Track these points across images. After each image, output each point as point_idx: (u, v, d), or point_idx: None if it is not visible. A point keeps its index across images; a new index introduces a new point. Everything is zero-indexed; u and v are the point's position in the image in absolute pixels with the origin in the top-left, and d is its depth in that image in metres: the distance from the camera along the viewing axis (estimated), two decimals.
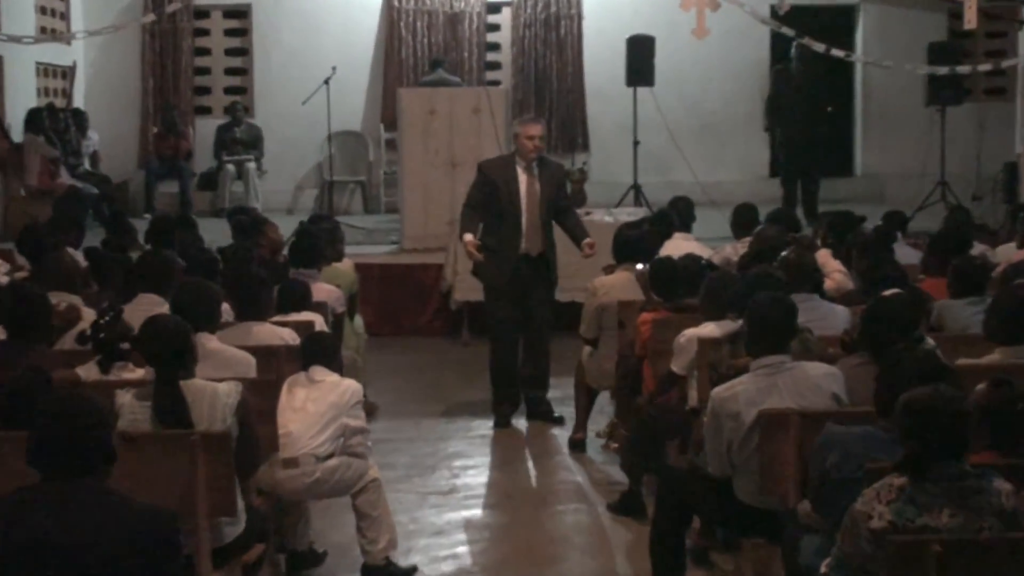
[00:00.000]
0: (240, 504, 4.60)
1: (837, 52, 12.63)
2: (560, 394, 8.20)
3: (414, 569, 5.72)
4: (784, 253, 6.56)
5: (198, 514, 4.34)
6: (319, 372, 5.48)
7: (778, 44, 14.29)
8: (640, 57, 13.26)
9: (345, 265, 8.29)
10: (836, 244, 7.88)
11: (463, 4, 15.00)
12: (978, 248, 7.75)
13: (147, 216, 12.55)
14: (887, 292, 5.63)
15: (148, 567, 3.21)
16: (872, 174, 15.45)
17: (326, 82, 12.76)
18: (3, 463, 4.06)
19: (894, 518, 3.53)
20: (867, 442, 4.05)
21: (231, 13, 15.31)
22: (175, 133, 14.33)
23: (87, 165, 13.72)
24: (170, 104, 14.69)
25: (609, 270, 7.55)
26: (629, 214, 10.78)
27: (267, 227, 8.55)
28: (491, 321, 8.18)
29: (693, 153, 13.40)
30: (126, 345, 5.01)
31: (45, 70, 14.05)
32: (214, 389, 4.58)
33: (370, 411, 7.50)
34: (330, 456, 5.38)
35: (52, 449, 3.26)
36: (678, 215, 8.51)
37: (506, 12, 15.27)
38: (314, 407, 5.38)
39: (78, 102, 14.48)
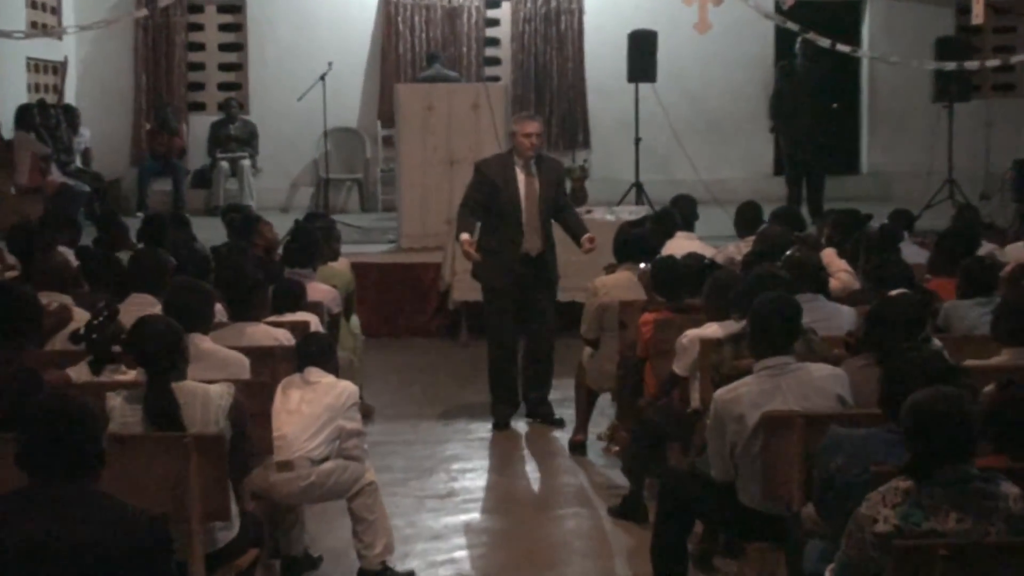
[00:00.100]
0: (233, 508, 4.60)
1: (843, 47, 12.63)
2: (560, 396, 8.20)
3: (411, 574, 5.72)
4: (788, 252, 6.56)
5: (191, 518, 4.34)
6: (314, 373, 5.48)
7: (783, 39, 14.28)
8: (642, 52, 13.26)
9: (341, 264, 8.29)
10: (841, 243, 7.87)
11: None
12: (986, 247, 7.74)
13: (140, 215, 12.55)
14: (893, 292, 5.63)
15: (139, 572, 3.21)
16: (878, 172, 15.46)
17: (322, 78, 12.76)
18: None
19: (900, 522, 3.53)
20: (872, 445, 4.05)
21: (225, 8, 15.31)
22: (168, 130, 14.32)
23: (79, 162, 13.72)
24: (163, 100, 14.70)
25: (610, 269, 7.56)
26: (631, 212, 10.78)
27: (262, 226, 8.55)
28: (490, 322, 8.18)
29: (696, 150, 13.39)
30: (118, 348, 5.01)
31: (36, 65, 14.05)
32: (206, 391, 4.58)
33: (366, 413, 7.51)
34: (325, 459, 5.38)
35: (42, 451, 3.26)
36: (680, 213, 8.51)
37: (505, 7, 15.27)
38: (309, 409, 5.38)
39: (69, 98, 14.48)
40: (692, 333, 5.88)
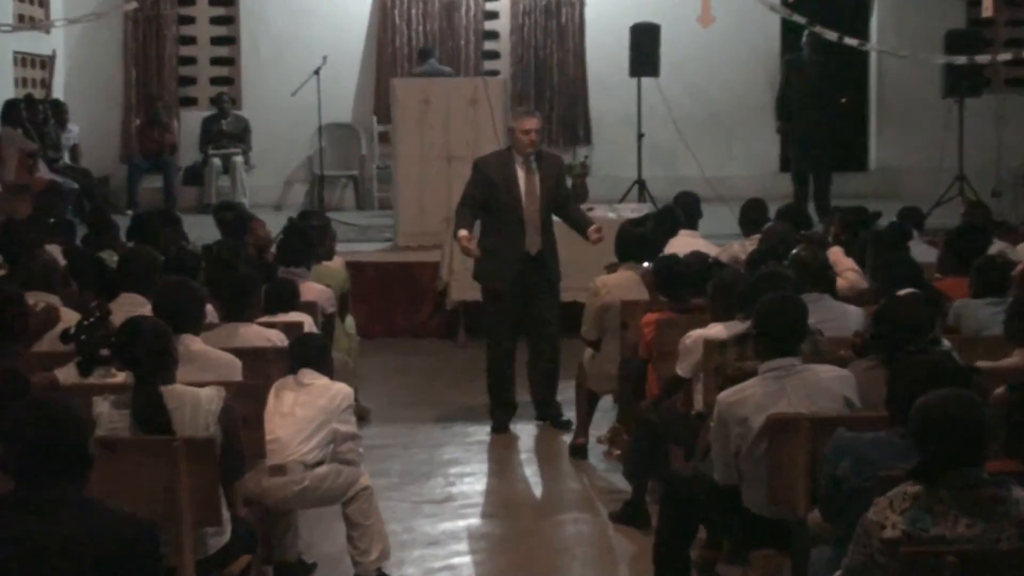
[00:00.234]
0: (225, 513, 4.60)
1: (850, 41, 12.62)
2: (561, 398, 8.20)
3: None
4: (794, 251, 6.56)
5: (181, 524, 4.34)
6: (308, 375, 5.48)
7: (789, 32, 14.29)
8: (644, 46, 13.26)
9: (336, 263, 8.29)
10: (849, 241, 7.88)
11: None
12: (997, 246, 7.73)
13: (130, 212, 12.55)
14: (902, 292, 5.63)
15: None
16: (887, 168, 15.46)
17: (316, 72, 12.76)
18: None
19: (908, 528, 3.53)
20: (880, 449, 4.05)
21: (217, 0, 15.31)
22: (159, 125, 14.34)
23: (67, 159, 13.72)
24: (154, 95, 14.70)
25: (612, 268, 7.55)
26: (633, 210, 10.77)
27: (254, 224, 8.55)
28: (489, 325, 8.18)
29: (700, 146, 13.39)
30: (106, 351, 5.01)
31: (23, 60, 14.05)
32: (196, 395, 4.58)
33: (362, 416, 7.52)
34: (320, 463, 5.38)
35: (27, 456, 3.26)
36: (684, 211, 8.51)
37: None
38: (303, 412, 5.37)
39: (57, 93, 14.47)
40: (696, 334, 5.87)
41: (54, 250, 7.33)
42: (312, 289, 7.30)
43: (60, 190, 12.21)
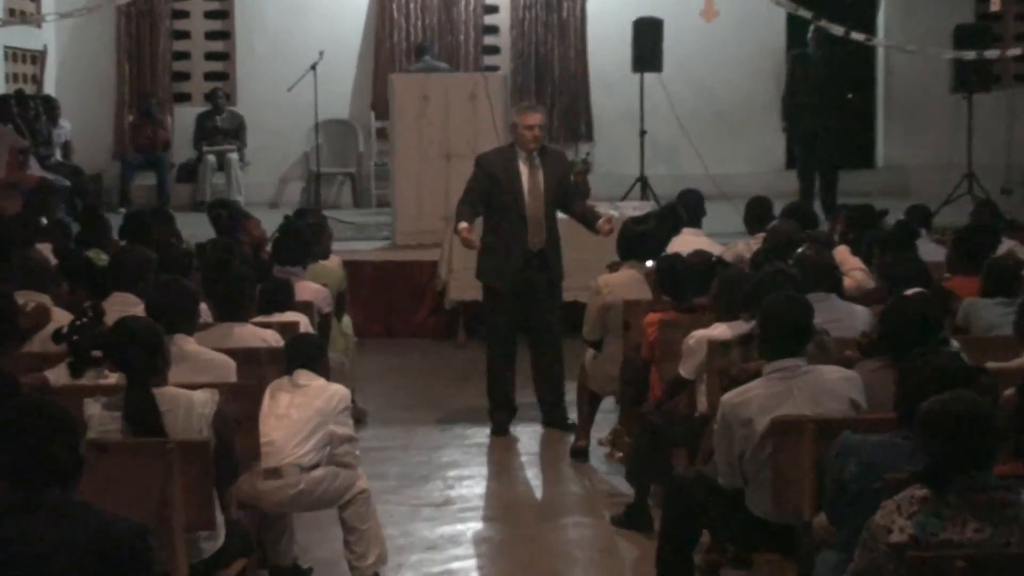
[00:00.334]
0: (219, 517, 4.60)
1: (857, 36, 12.60)
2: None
3: None
4: (800, 250, 6.56)
5: (174, 528, 4.34)
6: (304, 376, 5.48)
7: (794, 27, 14.29)
8: (647, 41, 13.27)
9: (332, 262, 8.30)
10: (855, 240, 7.88)
11: None
12: (1007, 244, 7.74)
13: (123, 210, 12.57)
14: (909, 291, 5.63)
15: None
16: (895, 166, 15.46)
17: (313, 67, 12.77)
18: None
19: (916, 532, 3.53)
20: (887, 451, 4.05)
21: None
22: (152, 122, 14.33)
23: (59, 156, 13.71)
24: (147, 91, 14.70)
25: (614, 268, 7.55)
26: (635, 208, 10.79)
27: (249, 222, 8.56)
28: (490, 325, 8.18)
29: (703, 143, 13.39)
30: (98, 353, 5.00)
31: (14, 55, 14.05)
32: (189, 398, 4.58)
33: (359, 418, 7.52)
34: (316, 466, 5.37)
35: (17, 458, 3.25)
36: (687, 209, 8.51)
37: None
38: (298, 414, 5.37)
39: (49, 89, 14.48)
40: (699, 334, 5.87)
41: (45, 249, 7.34)
42: (308, 288, 7.30)
43: (51, 187, 12.19)
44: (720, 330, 5.81)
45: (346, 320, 8.22)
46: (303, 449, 5.33)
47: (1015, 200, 13.13)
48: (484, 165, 7.96)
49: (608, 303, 7.20)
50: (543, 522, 6.66)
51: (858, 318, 6.04)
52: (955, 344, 5.11)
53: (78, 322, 5.18)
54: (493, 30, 15.41)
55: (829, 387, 4.82)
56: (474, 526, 6.58)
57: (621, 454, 7.29)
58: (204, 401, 4.59)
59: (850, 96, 13.51)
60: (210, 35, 15.37)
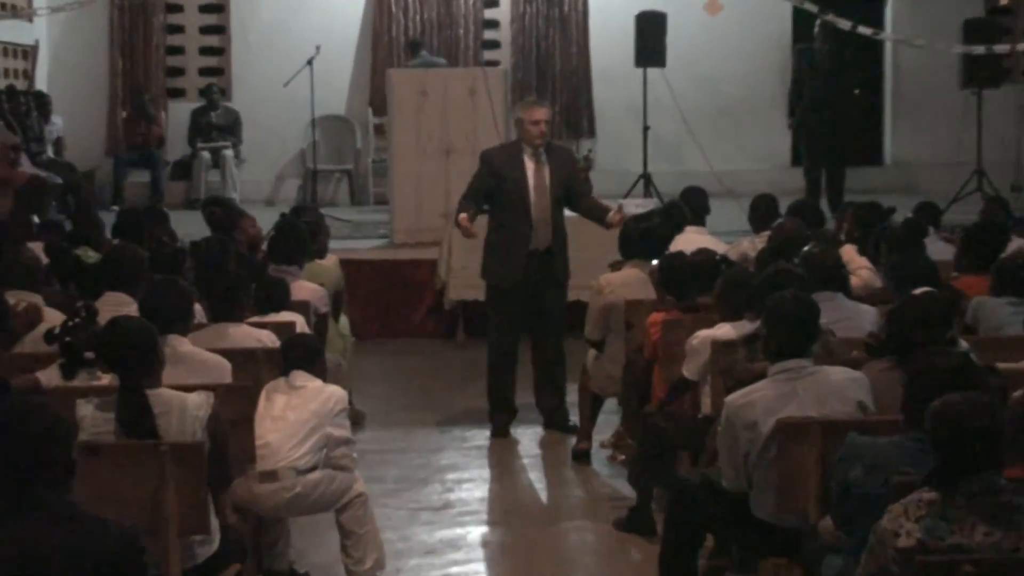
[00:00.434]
0: (214, 521, 4.60)
1: (864, 30, 12.61)
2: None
3: None
4: (806, 248, 6.56)
5: (167, 532, 4.34)
6: (300, 377, 5.48)
7: (801, 21, 14.29)
8: (650, 35, 13.26)
9: (329, 261, 8.29)
10: (862, 238, 7.88)
11: None
12: (1016, 243, 7.74)
13: (115, 208, 12.55)
14: (917, 291, 5.62)
15: None
16: (903, 162, 15.46)
17: (309, 62, 12.77)
18: None
19: (923, 536, 3.53)
20: (894, 454, 4.05)
21: None
22: (146, 118, 14.33)
23: (50, 152, 13.72)
24: (140, 86, 14.70)
25: (616, 267, 7.55)
26: (638, 206, 10.76)
27: (244, 220, 8.55)
28: (491, 325, 8.17)
29: (707, 139, 13.38)
30: (91, 354, 5.00)
31: (4, 50, 14.05)
32: (183, 401, 4.58)
33: (356, 420, 7.52)
34: (312, 469, 5.37)
35: (6, 460, 3.25)
36: (691, 207, 8.51)
37: None
38: (295, 415, 5.37)
39: (40, 84, 14.48)
40: (703, 334, 5.87)
41: (36, 248, 7.33)
42: (304, 288, 7.30)
43: (43, 185, 12.20)
44: (724, 330, 5.81)
45: (343, 320, 8.22)
46: (299, 452, 5.33)
47: None
48: (488, 162, 7.94)
49: (610, 303, 7.20)
50: (544, 526, 6.67)
51: (865, 318, 6.04)
52: (964, 344, 5.11)
53: (70, 322, 5.18)
54: (493, 24, 15.41)
55: (835, 388, 4.82)
56: (473, 530, 6.58)
57: (623, 456, 7.29)
58: (198, 404, 4.59)
59: (857, 91, 13.50)
60: (205, 29, 15.37)
